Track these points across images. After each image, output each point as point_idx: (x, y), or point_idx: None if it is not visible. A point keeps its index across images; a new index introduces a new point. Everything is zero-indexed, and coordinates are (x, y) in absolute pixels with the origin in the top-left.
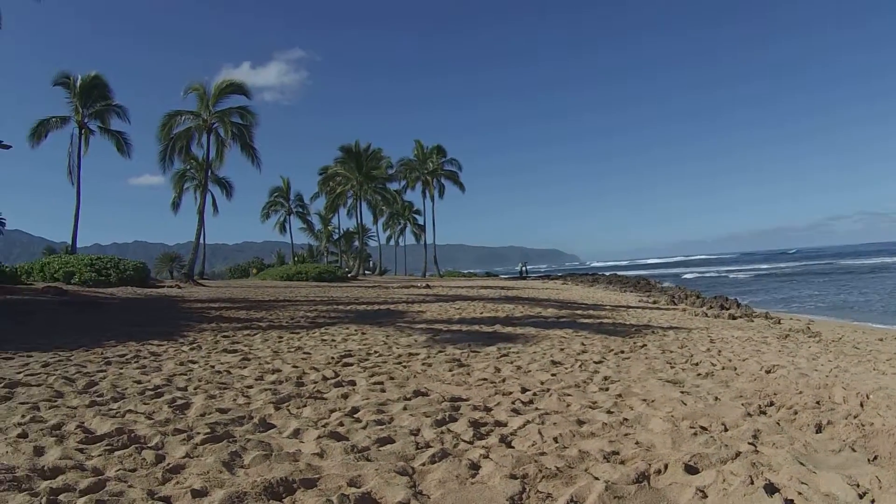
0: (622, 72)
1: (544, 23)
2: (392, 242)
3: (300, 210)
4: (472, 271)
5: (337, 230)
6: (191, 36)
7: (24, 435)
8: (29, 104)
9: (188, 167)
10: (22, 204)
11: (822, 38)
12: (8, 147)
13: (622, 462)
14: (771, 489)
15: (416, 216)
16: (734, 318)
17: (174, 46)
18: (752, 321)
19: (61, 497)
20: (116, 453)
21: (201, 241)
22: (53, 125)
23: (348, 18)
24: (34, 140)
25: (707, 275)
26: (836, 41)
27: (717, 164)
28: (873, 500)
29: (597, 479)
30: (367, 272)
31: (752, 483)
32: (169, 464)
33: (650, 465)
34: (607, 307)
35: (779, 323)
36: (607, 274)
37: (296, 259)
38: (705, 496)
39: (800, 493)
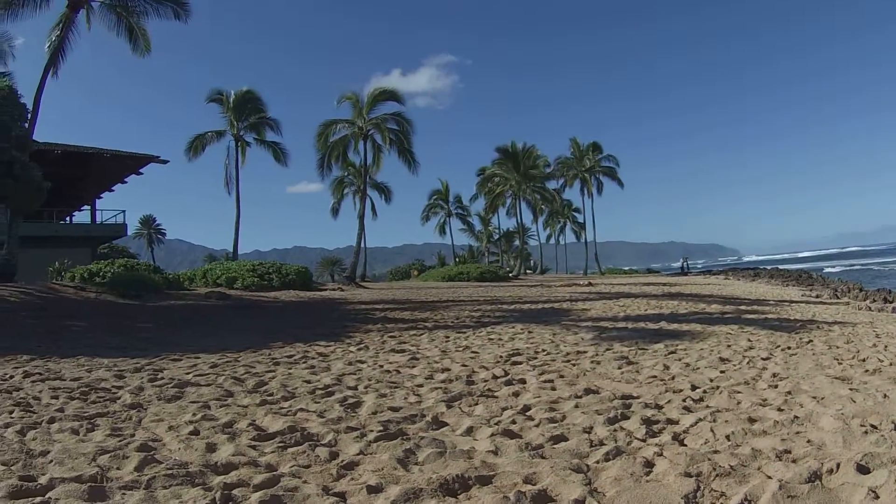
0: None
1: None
2: (552, 241)
3: (459, 211)
4: (633, 268)
5: (497, 230)
6: (339, 48)
7: (195, 432)
8: (185, 116)
9: (346, 173)
10: (181, 214)
11: None
12: (165, 162)
13: (794, 461)
14: None
15: (576, 214)
16: None
17: (324, 59)
18: None
19: (235, 492)
20: (290, 450)
21: (362, 244)
22: (210, 139)
23: (496, 20)
24: (192, 154)
25: (868, 267)
26: None
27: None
28: None
29: (769, 477)
30: (528, 271)
31: None
32: (343, 460)
33: (822, 464)
34: (771, 302)
35: None
36: (768, 268)
37: (457, 260)
38: (877, 497)
39: None
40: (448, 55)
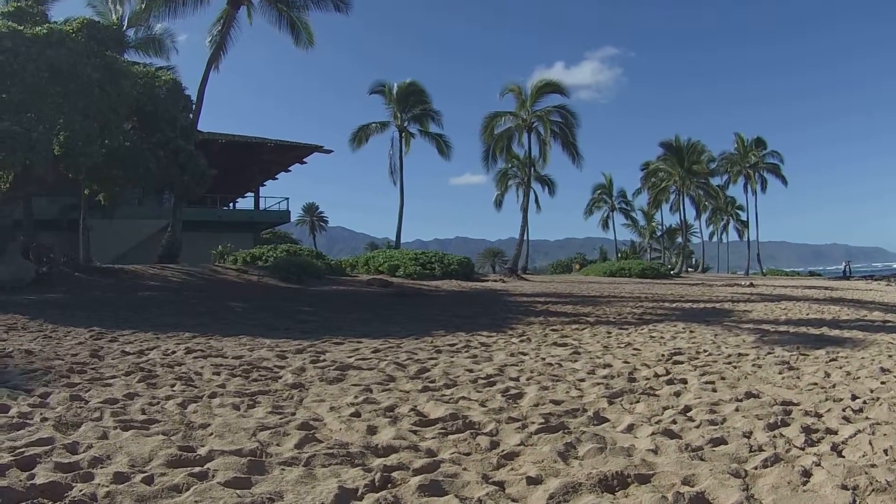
0: None
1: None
2: (714, 239)
3: (623, 206)
4: (795, 270)
5: (660, 226)
6: (499, 44)
7: (357, 414)
8: (342, 110)
9: (510, 166)
10: (343, 203)
11: None
12: (329, 152)
13: None
14: None
15: (739, 211)
16: None
17: (485, 56)
18: None
19: (395, 475)
20: (450, 437)
21: (524, 236)
22: (374, 130)
23: (656, 15)
24: (355, 144)
25: None
26: None
27: None
28: None
29: None
30: (689, 269)
31: None
32: (503, 450)
33: None
34: None
35: None
36: None
37: (619, 255)
38: None
39: None
40: (611, 48)
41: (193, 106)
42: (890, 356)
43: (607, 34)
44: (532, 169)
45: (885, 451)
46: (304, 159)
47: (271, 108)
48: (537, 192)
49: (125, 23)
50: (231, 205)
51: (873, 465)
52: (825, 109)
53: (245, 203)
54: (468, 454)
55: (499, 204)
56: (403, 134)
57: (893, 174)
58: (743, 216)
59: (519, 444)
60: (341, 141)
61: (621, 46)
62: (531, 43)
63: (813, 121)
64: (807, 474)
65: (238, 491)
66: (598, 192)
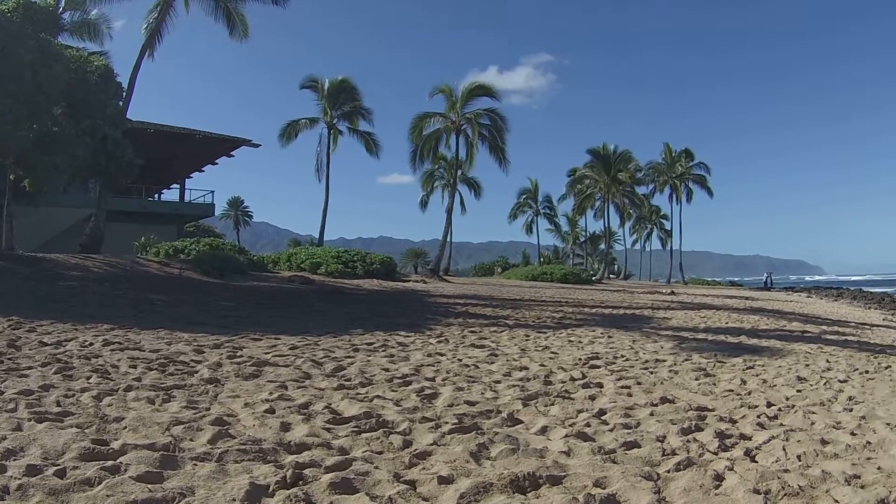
0: None
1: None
2: (637, 247)
3: (547, 211)
4: (716, 279)
5: (584, 232)
6: (436, 42)
7: (271, 411)
8: (279, 99)
9: (437, 167)
10: (269, 198)
11: None
12: (257, 146)
13: (863, 486)
14: None
15: (663, 220)
16: None
17: (419, 53)
18: None
19: (306, 472)
20: (364, 435)
21: (448, 238)
22: (303, 126)
23: (595, 22)
24: (285, 140)
25: None
26: None
27: None
28: None
29: (837, 501)
30: (611, 276)
31: None
32: (416, 449)
33: (891, 492)
34: (851, 324)
35: None
36: (852, 289)
37: (541, 260)
38: None
39: None
40: (546, 54)
41: (124, 93)
42: (807, 365)
43: (544, 41)
44: (459, 171)
45: (799, 457)
46: (232, 152)
47: (210, 97)
48: (463, 195)
49: (62, 5)
50: (156, 196)
51: (786, 471)
52: (755, 123)
53: (170, 195)
54: (381, 453)
55: (424, 205)
56: (332, 131)
57: (817, 190)
58: (667, 225)
59: (432, 444)
60: (274, 134)
61: (557, 53)
62: (467, 45)
63: (742, 133)
64: (719, 478)
65: (150, 486)
66: (524, 196)
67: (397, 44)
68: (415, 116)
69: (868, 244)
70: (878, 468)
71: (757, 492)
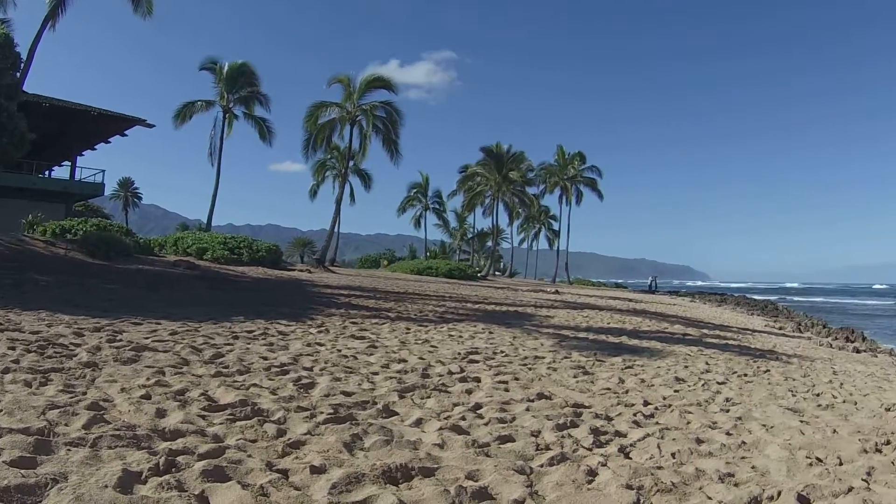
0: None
1: (692, 25)
2: (525, 245)
3: (437, 206)
4: (601, 281)
5: (472, 229)
6: (339, 32)
7: (147, 396)
8: (171, 88)
9: (329, 157)
10: (159, 180)
11: None
12: (151, 126)
13: (736, 485)
14: None
15: (552, 221)
16: (858, 351)
17: (322, 43)
18: (876, 356)
19: (179, 459)
20: (238, 423)
21: (336, 229)
22: (199, 108)
23: (502, 21)
24: (179, 121)
25: (837, 303)
26: None
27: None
28: None
29: (710, 498)
30: (497, 273)
31: None
32: (290, 439)
33: (763, 490)
34: (733, 329)
35: None
36: (735, 295)
37: (428, 254)
38: None
39: None
40: (449, 51)
41: (22, 64)
42: (686, 367)
43: (447, 38)
44: (351, 162)
45: (673, 455)
46: (126, 132)
47: (99, 79)
48: (354, 186)
49: None
50: (46, 173)
51: (660, 467)
52: (650, 138)
53: (61, 172)
54: (254, 441)
55: (314, 194)
56: (227, 115)
57: (696, 198)
58: (555, 226)
59: (306, 434)
60: (166, 118)
61: (459, 51)
62: (371, 37)
63: (638, 147)
64: (592, 474)
65: (23, 471)
66: (414, 190)
67: (300, 30)
68: (311, 104)
69: (753, 254)
70: (753, 467)
71: (630, 487)
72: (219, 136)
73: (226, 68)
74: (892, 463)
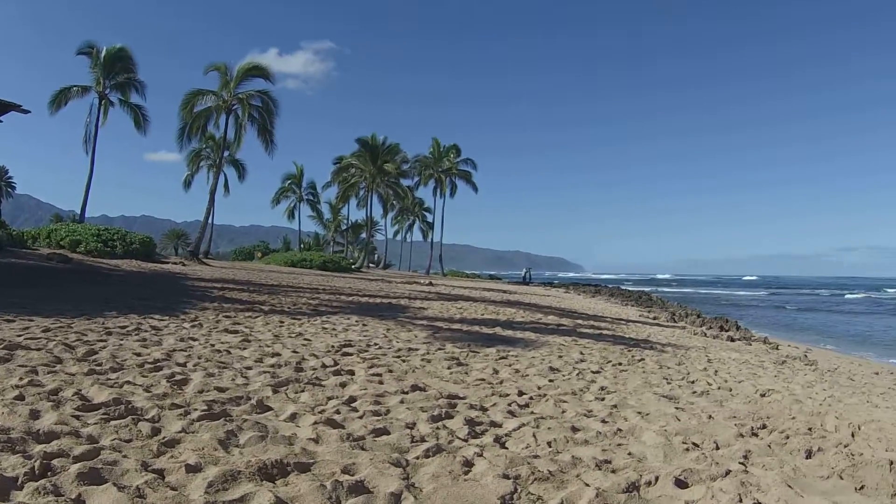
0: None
1: (565, 34)
2: (399, 237)
3: (311, 198)
4: (476, 273)
5: (346, 221)
6: (219, 15)
7: (20, 398)
8: (51, 69)
9: (205, 146)
10: (33, 169)
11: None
12: (27, 112)
13: (613, 471)
14: None
15: (426, 213)
16: (733, 339)
17: (200, 24)
18: (750, 345)
19: (55, 462)
20: (112, 423)
21: (210, 220)
22: (74, 94)
23: (383, 14)
24: (54, 108)
25: (710, 294)
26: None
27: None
28: None
29: (587, 485)
30: (371, 265)
31: (740, 501)
32: (164, 437)
33: (641, 475)
34: (608, 319)
35: (776, 349)
36: (610, 286)
37: (302, 246)
38: None
39: None
40: (328, 41)
41: None
42: (560, 357)
43: (327, 28)
44: (226, 152)
45: (549, 444)
46: (0, 118)
47: None
48: (228, 176)
49: None
50: None
51: (536, 456)
52: (530, 141)
53: None
54: (129, 441)
55: (188, 184)
56: (104, 101)
57: (579, 191)
58: (429, 217)
59: (180, 431)
60: (41, 104)
61: (339, 42)
62: (251, 24)
63: (512, 130)
64: (468, 464)
65: None
66: (288, 181)
67: (178, 14)
68: (187, 93)
69: (628, 247)
70: (629, 454)
71: (506, 477)
72: (94, 123)
73: (103, 53)
74: (769, 446)
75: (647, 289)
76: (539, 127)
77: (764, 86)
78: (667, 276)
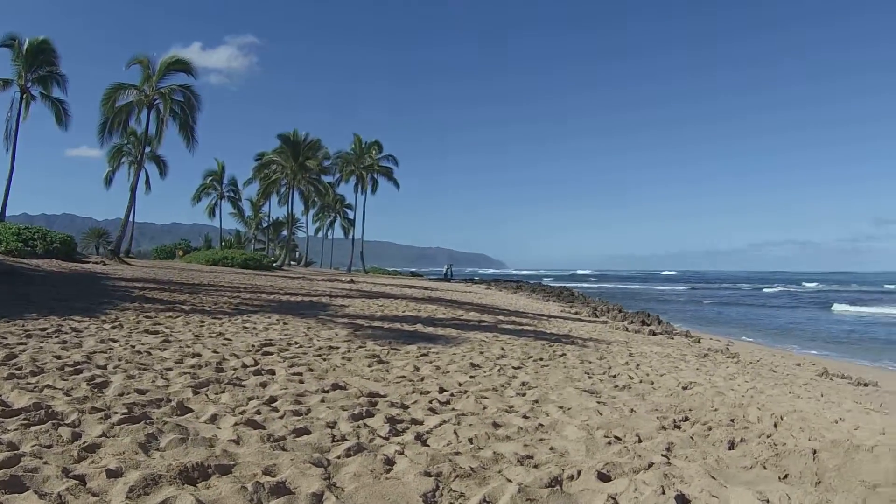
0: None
1: (489, 39)
2: (320, 235)
3: (232, 195)
4: (397, 269)
5: (267, 218)
6: (143, 4)
7: None
8: None
9: (126, 142)
10: None
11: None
12: None
13: (536, 466)
14: (682, 500)
15: (347, 210)
16: (654, 334)
17: (124, 20)
18: (672, 338)
19: None
20: (33, 428)
21: (131, 218)
22: None
23: (306, 9)
24: None
25: (631, 289)
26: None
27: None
28: None
29: (510, 481)
30: (292, 263)
31: (663, 493)
32: (85, 442)
33: (563, 470)
34: (529, 315)
35: (698, 342)
36: (531, 282)
37: (223, 244)
38: (616, 503)
39: None
40: (252, 36)
41: None
42: (482, 353)
43: (251, 22)
44: (147, 148)
45: (471, 440)
46: None
47: None
48: (150, 173)
49: None
50: None
51: (458, 453)
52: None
53: None
54: (50, 446)
55: (109, 181)
56: (25, 95)
57: (481, 189)
58: (350, 214)
59: (101, 436)
60: None
61: (262, 36)
62: (176, 17)
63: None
64: (390, 463)
65: None
66: (210, 178)
67: (101, 7)
68: (108, 87)
69: (549, 243)
70: (551, 448)
71: (428, 474)
72: (15, 118)
73: (25, 45)
74: (692, 438)
75: (569, 284)
76: (460, 128)
77: (681, 86)
78: (587, 271)
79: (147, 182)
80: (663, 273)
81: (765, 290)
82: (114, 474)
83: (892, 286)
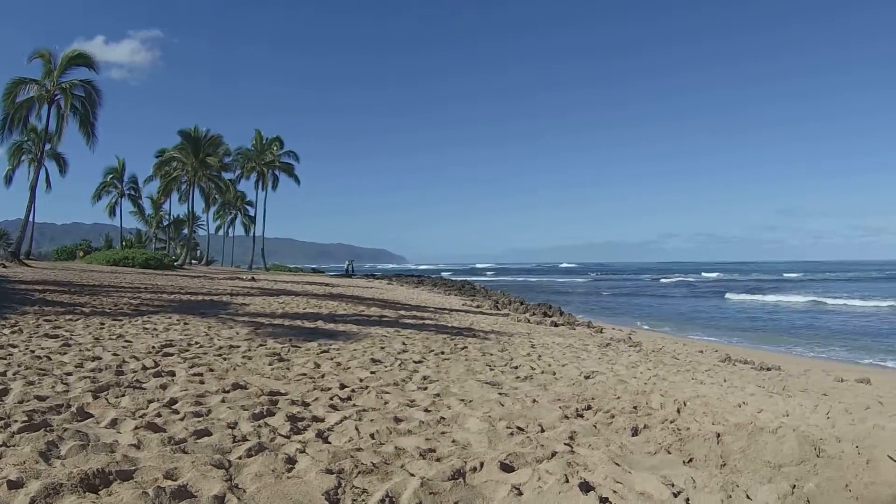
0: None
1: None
2: (221, 232)
3: (132, 193)
4: (298, 266)
5: (168, 216)
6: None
7: None
8: None
9: (26, 139)
10: None
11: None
12: None
13: (438, 459)
14: (586, 487)
15: (248, 207)
16: (556, 325)
17: (28, 9)
18: (575, 329)
19: None
20: None
21: (31, 218)
22: None
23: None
24: None
25: (534, 281)
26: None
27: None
28: (688, 499)
29: (412, 475)
30: (193, 261)
31: (567, 481)
32: None
33: (466, 462)
34: (430, 309)
35: (600, 332)
36: (433, 276)
37: (124, 244)
38: (520, 493)
39: (615, 492)
40: (157, 30)
41: None
42: (382, 348)
43: (157, 16)
44: (47, 145)
45: (372, 436)
46: None
47: None
48: (50, 171)
49: None
50: None
51: (359, 449)
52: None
53: None
54: None
55: (9, 180)
56: None
57: (400, 184)
58: (251, 211)
59: (1, 446)
60: None
61: (167, 30)
62: (79, 9)
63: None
64: (291, 461)
65: None
66: (110, 176)
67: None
68: (10, 81)
69: (449, 237)
70: (453, 441)
71: (330, 472)
72: None
73: None
74: (595, 426)
75: (470, 278)
76: (357, 111)
77: (581, 71)
78: (487, 265)
79: (47, 180)
80: (562, 265)
81: (662, 280)
82: (14, 485)
83: (791, 275)
